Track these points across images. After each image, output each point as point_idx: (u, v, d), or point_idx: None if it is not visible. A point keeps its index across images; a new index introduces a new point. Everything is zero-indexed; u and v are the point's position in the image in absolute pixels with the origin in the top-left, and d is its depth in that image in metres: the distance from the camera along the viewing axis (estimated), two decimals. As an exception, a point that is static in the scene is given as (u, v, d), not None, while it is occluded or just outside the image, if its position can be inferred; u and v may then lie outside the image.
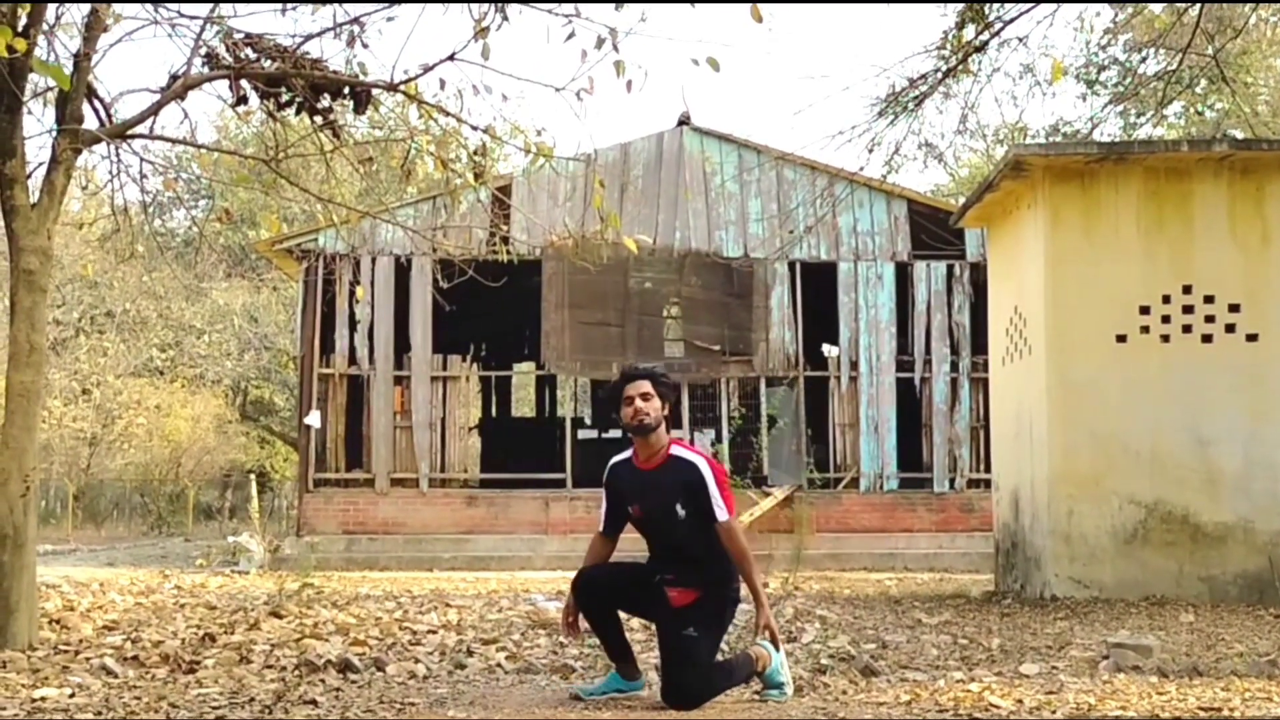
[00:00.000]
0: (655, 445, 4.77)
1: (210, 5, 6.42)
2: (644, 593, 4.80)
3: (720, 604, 4.78)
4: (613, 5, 5.71)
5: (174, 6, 6.47)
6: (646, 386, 4.75)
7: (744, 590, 4.83)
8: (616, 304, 16.81)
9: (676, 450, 4.79)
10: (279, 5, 6.49)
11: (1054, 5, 9.49)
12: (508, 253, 7.60)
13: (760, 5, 5.78)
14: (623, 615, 4.97)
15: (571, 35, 5.87)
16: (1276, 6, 14.17)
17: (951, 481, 17.07)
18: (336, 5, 6.45)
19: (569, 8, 5.87)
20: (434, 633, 6.79)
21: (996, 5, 9.64)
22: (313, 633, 6.58)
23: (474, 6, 6.08)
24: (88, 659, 5.60)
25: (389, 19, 6.42)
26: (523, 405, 32.61)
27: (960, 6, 9.88)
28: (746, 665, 4.79)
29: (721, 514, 4.66)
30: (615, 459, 4.95)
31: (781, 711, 4.63)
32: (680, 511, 4.69)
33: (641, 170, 17.40)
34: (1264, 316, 8.88)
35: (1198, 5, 10.76)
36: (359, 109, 6.60)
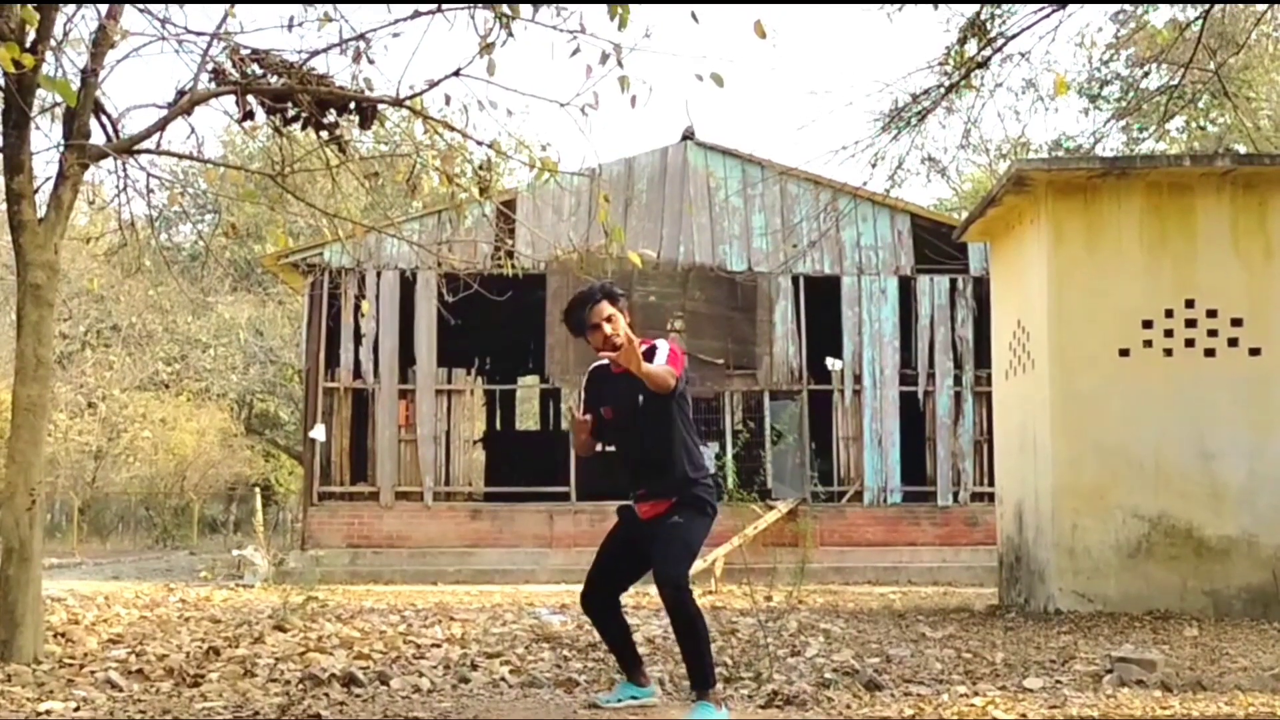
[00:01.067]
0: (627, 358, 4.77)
1: (217, 21, 6.47)
2: (631, 554, 4.89)
3: (693, 506, 4.80)
4: (615, 21, 5.73)
5: (181, 23, 6.52)
6: (608, 309, 4.79)
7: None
8: (621, 318, 16.80)
9: (644, 348, 4.80)
10: (286, 22, 6.53)
11: (1056, 21, 9.53)
12: (512, 267, 7.63)
13: (763, 22, 5.81)
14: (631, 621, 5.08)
15: (576, 51, 5.90)
16: (1279, 21, 14.21)
17: (955, 495, 17.05)
18: (342, 21, 6.49)
19: (574, 24, 5.92)
20: (438, 646, 6.79)
21: (998, 21, 9.68)
22: (317, 646, 6.58)
23: (479, 23, 6.12)
24: (92, 672, 5.61)
25: (395, 35, 6.45)
26: (527, 419, 32.61)
27: (963, 23, 9.93)
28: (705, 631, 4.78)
29: (664, 364, 4.71)
30: (595, 363, 5.06)
31: (785, 725, 4.63)
32: (640, 399, 4.75)
33: (646, 185, 17.45)
34: (1267, 331, 8.89)
35: (1199, 21, 10.80)
36: (365, 124, 6.64)
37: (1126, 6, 14.60)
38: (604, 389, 4.95)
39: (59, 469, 24.55)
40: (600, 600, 4.98)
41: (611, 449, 5.02)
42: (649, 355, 4.74)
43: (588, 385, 5.06)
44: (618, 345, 4.69)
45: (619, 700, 4.92)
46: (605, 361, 4.94)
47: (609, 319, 4.78)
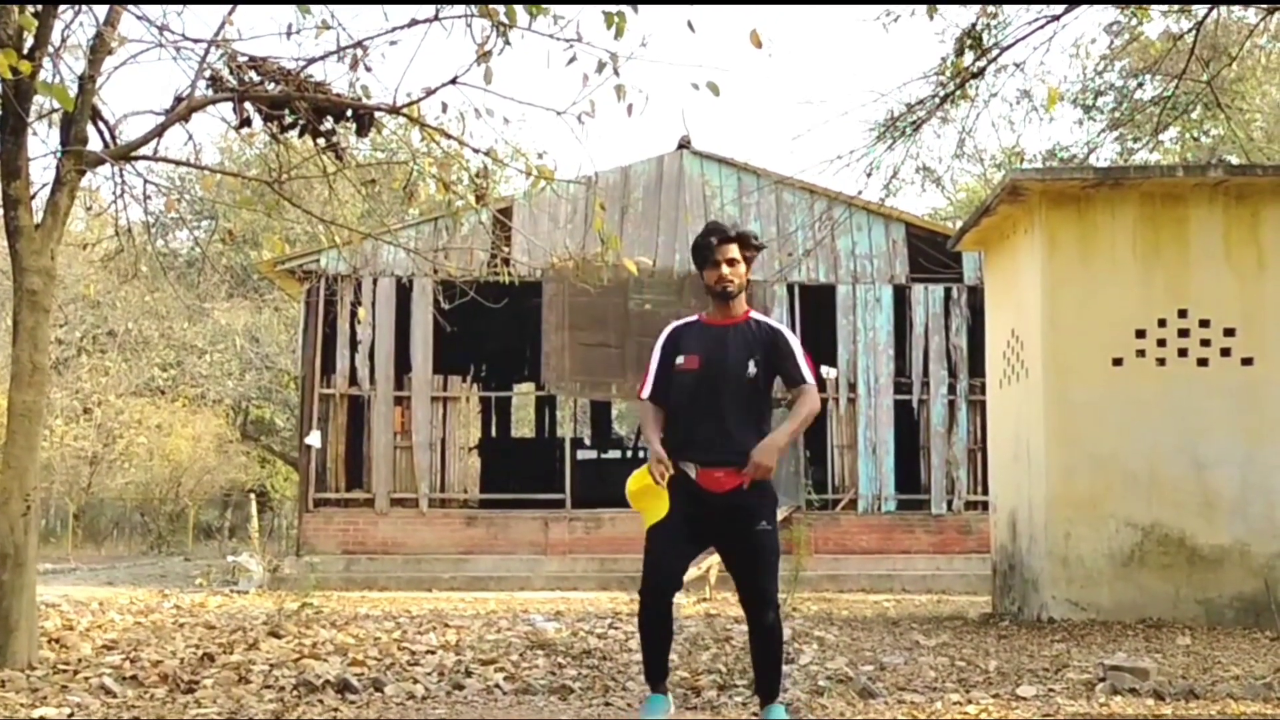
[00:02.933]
0: (734, 310, 4.56)
1: (215, 28, 6.49)
2: (693, 535, 4.47)
3: (773, 499, 4.53)
4: (612, 30, 5.76)
5: (179, 30, 6.54)
6: (735, 251, 4.51)
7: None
8: (616, 325, 16.85)
9: (756, 315, 4.60)
10: (283, 29, 6.55)
11: (1051, 32, 9.58)
12: (508, 274, 7.67)
13: (759, 32, 5.85)
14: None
15: (573, 60, 5.93)
16: (1272, 32, 14.28)
17: (949, 503, 17.07)
18: (340, 29, 6.52)
19: (571, 32, 5.95)
20: (432, 653, 6.79)
21: (993, 32, 9.73)
22: (311, 653, 6.59)
23: (476, 31, 6.15)
24: (87, 678, 5.61)
25: (392, 43, 6.48)
26: (522, 426, 32.62)
27: (958, 33, 9.97)
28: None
29: (807, 377, 4.46)
30: (678, 321, 4.73)
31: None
32: (751, 368, 4.43)
33: (642, 193, 17.49)
34: (1259, 341, 8.93)
35: (1193, 32, 10.86)
36: (362, 131, 6.66)
37: (1120, 18, 14.68)
38: (692, 340, 4.54)
39: (54, 474, 24.50)
40: (667, 595, 4.45)
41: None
42: (775, 341, 4.49)
43: (667, 340, 4.62)
44: (729, 291, 4.48)
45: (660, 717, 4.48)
46: (692, 319, 4.65)
47: (731, 261, 4.49)
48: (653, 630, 4.47)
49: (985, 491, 14.08)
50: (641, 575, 4.47)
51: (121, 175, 6.74)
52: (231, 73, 6.44)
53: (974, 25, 9.76)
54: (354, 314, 16.11)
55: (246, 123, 6.55)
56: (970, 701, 5.27)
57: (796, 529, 15.93)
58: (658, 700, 4.53)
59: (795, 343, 4.55)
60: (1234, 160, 16.78)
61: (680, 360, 4.50)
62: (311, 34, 6.52)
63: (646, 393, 4.60)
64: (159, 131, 6.38)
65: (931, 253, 16.66)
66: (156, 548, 25.44)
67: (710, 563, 13.60)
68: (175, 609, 10.04)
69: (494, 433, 24.77)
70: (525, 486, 17.20)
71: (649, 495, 4.45)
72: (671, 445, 4.45)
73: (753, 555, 4.43)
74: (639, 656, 6.65)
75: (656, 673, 4.57)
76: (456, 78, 6.22)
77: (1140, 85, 17.00)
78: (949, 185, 29.06)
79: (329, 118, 6.57)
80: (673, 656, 6.61)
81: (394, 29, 6.39)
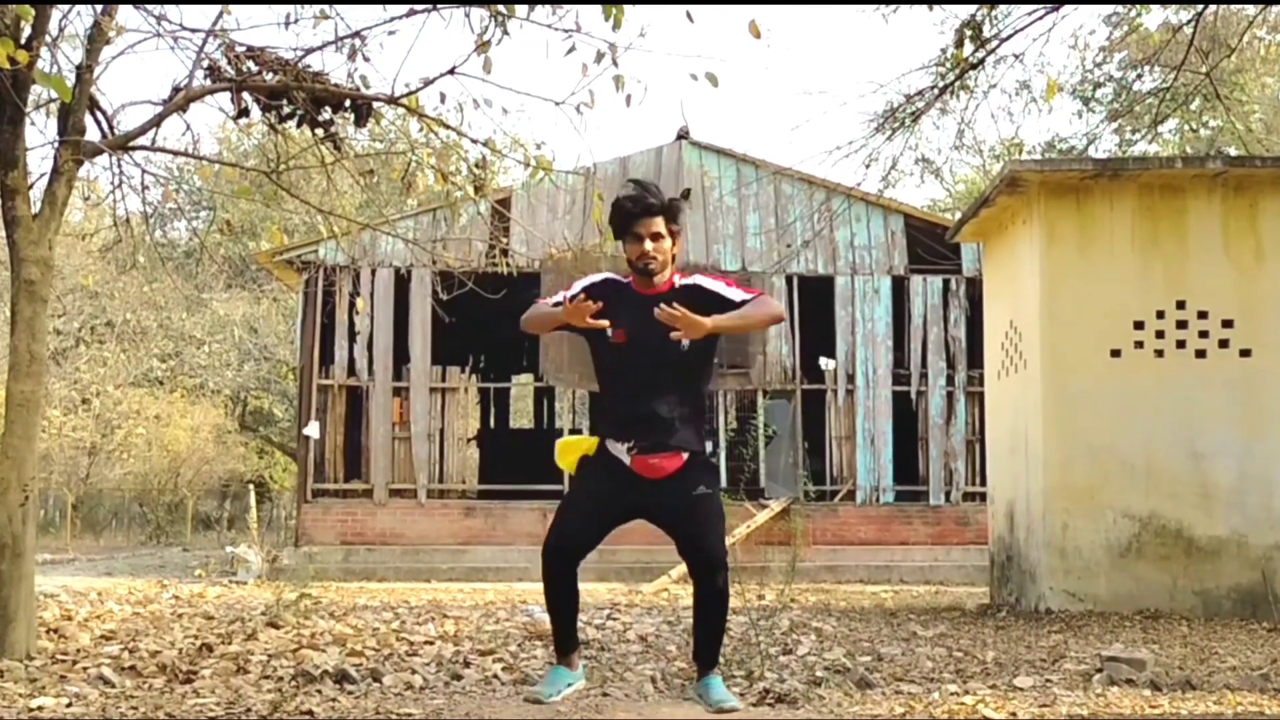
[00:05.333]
0: (657, 283, 4.18)
1: (213, 18, 6.48)
2: (615, 512, 4.22)
3: (714, 472, 4.31)
4: (610, 21, 5.75)
5: (176, 20, 6.52)
6: (660, 225, 4.11)
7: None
8: (615, 316, 16.82)
9: (679, 280, 4.22)
10: (281, 19, 6.54)
11: (1050, 23, 9.57)
12: (507, 265, 7.65)
13: (758, 22, 5.84)
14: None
15: (571, 50, 5.92)
16: (1271, 24, 14.26)
17: (947, 495, 17.10)
18: (338, 19, 6.50)
19: (569, 23, 5.94)
20: (431, 644, 6.80)
21: (993, 23, 9.71)
22: (310, 643, 6.59)
23: (475, 21, 6.14)
24: (85, 669, 5.62)
25: (390, 33, 6.47)
26: (521, 417, 32.62)
27: (958, 24, 9.95)
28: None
29: (739, 295, 4.11)
30: (605, 274, 4.28)
31: (775, 723, 4.65)
32: (686, 341, 4.00)
33: (640, 183, 17.45)
34: (1257, 332, 8.94)
35: (1191, 24, 10.84)
36: (360, 122, 6.65)
37: (1119, 9, 14.66)
38: (623, 309, 4.11)
39: (53, 465, 24.51)
40: (572, 558, 4.16)
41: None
42: (696, 294, 4.11)
43: (593, 289, 4.16)
44: (651, 270, 4.11)
45: (559, 692, 4.26)
46: (620, 278, 4.25)
47: (655, 236, 4.10)
48: (556, 594, 4.19)
49: (983, 483, 14.10)
50: (546, 534, 4.17)
51: (119, 165, 6.73)
52: (229, 63, 6.43)
53: (973, 16, 9.74)
54: (352, 305, 16.12)
55: (244, 113, 6.54)
56: (967, 692, 5.28)
57: (795, 520, 15.95)
58: (560, 671, 4.27)
59: (717, 283, 4.18)
60: (1233, 152, 16.77)
61: (609, 333, 4.12)
62: (309, 24, 6.52)
63: (554, 300, 4.25)
64: (157, 122, 6.37)
65: (930, 244, 16.65)
66: (155, 538, 25.46)
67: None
68: (174, 600, 10.05)
69: (492, 424, 24.77)
70: (524, 478, 17.19)
71: (578, 450, 4.27)
72: (602, 425, 4.22)
73: (691, 516, 4.13)
74: (638, 648, 6.69)
75: (561, 640, 4.32)
76: (455, 68, 6.21)
77: (1139, 77, 16.97)
78: (948, 176, 29.07)
79: (327, 108, 6.56)
80: (670, 647, 6.64)
81: (392, 19, 6.39)
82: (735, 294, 4.13)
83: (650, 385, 4.12)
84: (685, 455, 4.13)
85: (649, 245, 4.10)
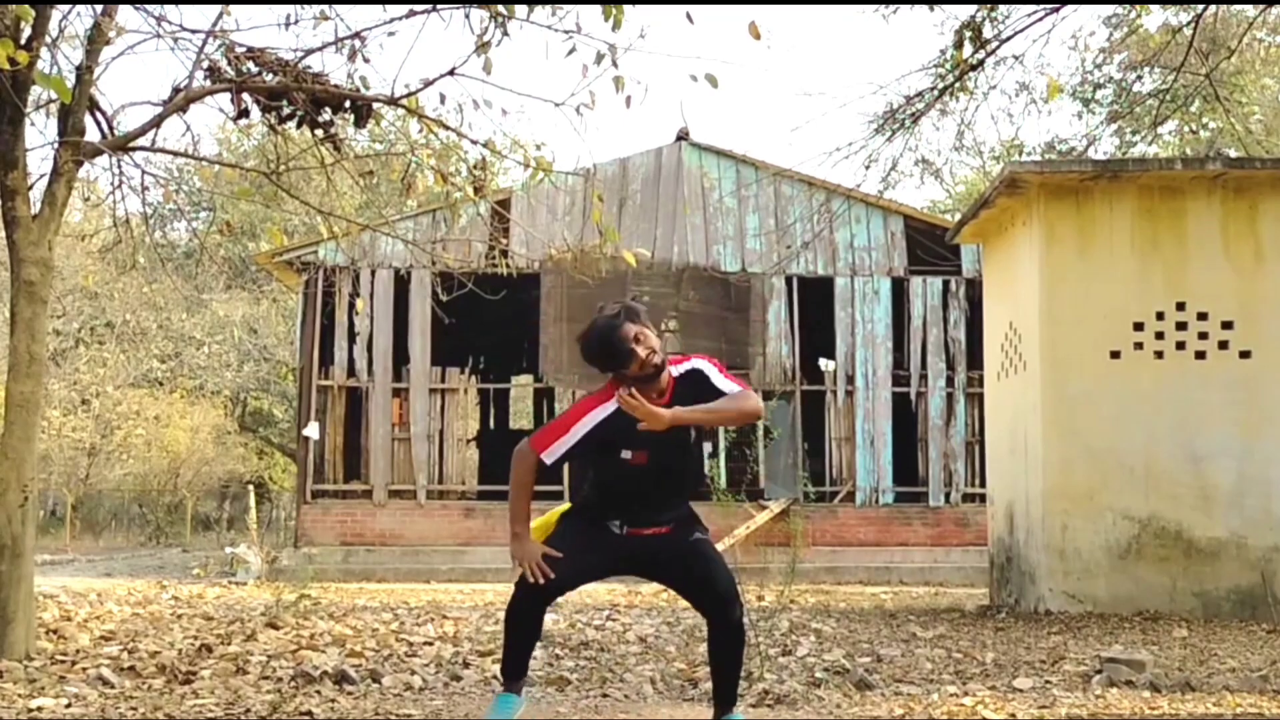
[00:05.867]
0: (663, 383, 4.06)
1: (213, 19, 6.48)
2: (597, 564, 4.18)
3: (696, 518, 4.26)
4: (610, 22, 5.76)
5: (176, 20, 6.52)
6: (633, 328, 4.02)
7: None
8: (615, 317, 16.82)
9: (674, 371, 4.10)
10: (281, 20, 6.54)
11: (1050, 25, 9.58)
12: (507, 266, 7.64)
13: (758, 24, 5.84)
14: None
15: (572, 51, 5.92)
16: (1270, 26, 14.27)
17: (947, 496, 17.10)
18: (338, 20, 6.51)
19: (569, 24, 5.94)
20: (430, 644, 6.80)
21: (993, 24, 9.72)
22: (309, 644, 6.60)
23: (475, 22, 6.14)
24: (84, 669, 5.62)
25: (390, 34, 6.47)
26: (520, 418, 32.60)
27: (958, 25, 9.96)
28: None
29: (731, 387, 4.04)
30: (600, 411, 4.08)
31: (775, 724, 4.65)
32: (692, 434, 4.08)
33: (640, 185, 17.48)
34: (1257, 334, 8.94)
35: (1191, 25, 10.85)
36: (360, 123, 6.65)
37: (1119, 10, 14.66)
38: (627, 435, 4.01)
39: (52, 465, 24.51)
40: (548, 600, 4.13)
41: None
42: (696, 380, 4.07)
43: (597, 429, 4.06)
44: (659, 364, 4.00)
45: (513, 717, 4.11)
46: (615, 406, 4.03)
47: (638, 338, 4.00)
48: (521, 625, 4.10)
49: (983, 484, 14.11)
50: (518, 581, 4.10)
51: (119, 166, 6.73)
52: (229, 64, 6.43)
53: (973, 18, 9.75)
54: (352, 305, 16.12)
55: (244, 114, 6.54)
56: (967, 693, 5.28)
57: (794, 521, 15.96)
58: (508, 699, 4.11)
59: (710, 369, 4.11)
60: (1232, 153, 16.78)
61: (627, 455, 4.03)
62: (309, 25, 6.52)
63: (550, 459, 4.11)
64: (157, 122, 6.37)
65: (930, 245, 16.66)
66: (154, 539, 25.45)
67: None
68: (173, 600, 10.05)
69: (492, 425, 24.77)
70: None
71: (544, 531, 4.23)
72: (593, 505, 4.18)
73: (695, 558, 4.11)
74: (637, 648, 6.69)
75: (514, 668, 4.17)
76: (455, 69, 6.21)
77: (1139, 78, 16.99)
78: (948, 178, 29.07)
79: (327, 109, 6.56)
80: (670, 648, 6.64)
81: (392, 20, 6.38)
82: (724, 384, 4.06)
83: (659, 488, 4.11)
84: (670, 526, 4.14)
85: (640, 350, 3.98)
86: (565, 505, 4.29)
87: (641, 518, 4.13)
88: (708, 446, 16.95)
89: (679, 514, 4.18)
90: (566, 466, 4.32)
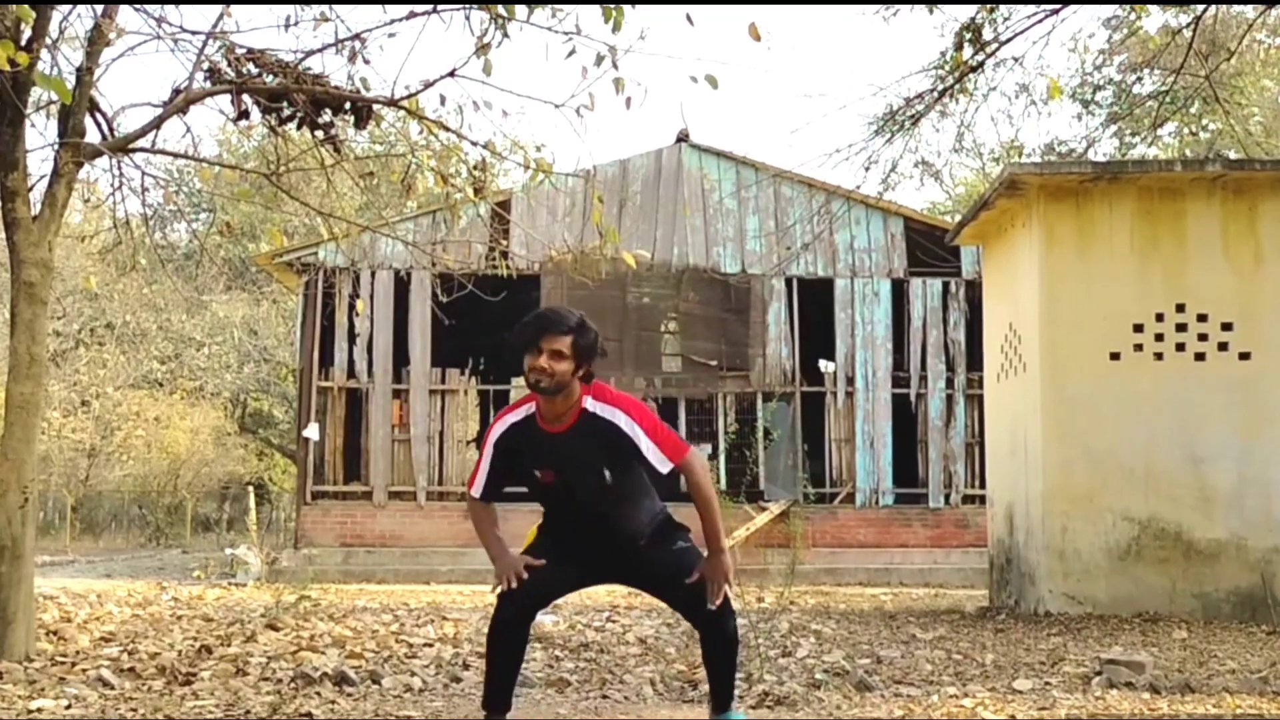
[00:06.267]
0: (562, 407, 3.90)
1: (213, 20, 6.48)
2: (572, 576, 4.12)
3: (675, 523, 4.16)
4: (610, 24, 5.76)
5: (177, 22, 6.53)
6: (563, 344, 3.81)
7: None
8: (615, 319, 16.86)
9: (590, 405, 3.91)
10: (281, 21, 6.54)
11: (1050, 26, 9.58)
12: (507, 267, 7.64)
13: (758, 25, 5.85)
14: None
15: (572, 53, 5.93)
16: (1270, 27, 14.28)
17: (947, 497, 17.10)
18: (338, 21, 6.51)
19: (569, 25, 5.94)
20: (430, 646, 6.80)
21: (993, 26, 9.73)
22: (309, 645, 6.59)
23: (475, 23, 6.15)
24: (84, 670, 5.61)
25: (390, 35, 6.48)
26: (520, 419, 32.58)
27: (957, 27, 9.97)
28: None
29: (666, 465, 3.86)
30: (510, 417, 4.00)
31: (775, 725, 4.65)
32: (607, 476, 3.90)
33: (640, 186, 17.48)
34: (1256, 335, 8.94)
35: (1191, 27, 10.86)
36: (360, 124, 6.66)
37: (1119, 12, 14.67)
38: (535, 450, 3.94)
39: (52, 467, 24.52)
40: (534, 610, 4.07)
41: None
42: (611, 434, 3.88)
43: (501, 441, 3.98)
44: (542, 386, 3.83)
45: None
46: (528, 413, 3.95)
47: (557, 354, 3.81)
48: (503, 646, 3.97)
49: (983, 485, 14.11)
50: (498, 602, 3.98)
51: (119, 168, 6.73)
52: (230, 65, 6.43)
53: (973, 19, 9.76)
54: (352, 307, 16.13)
55: (245, 115, 6.54)
56: (966, 695, 5.28)
57: (794, 522, 15.96)
58: None
59: (637, 432, 3.87)
60: (1232, 155, 16.79)
61: (537, 474, 3.98)
62: (310, 26, 6.53)
63: (477, 491, 4.09)
64: (157, 124, 6.37)
65: (930, 247, 16.67)
66: (154, 540, 25.46)
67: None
68: (173, 601, 10.04)
69: (492, 426, 24.78)
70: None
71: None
72: (561, 537, 4.08)
73: (677, 576, 3.98)
74: (637, 650, 6.69)
75: (498, 697, 4.02)
76: (455, 70, 6.21)
77: (1139, 80, 17.01)
78: (947, 179, 29.09)
79: (327, 110, 6.57)
80: (670, 649, 6.64)
81: (392, 21, 6.39)
82: (654, 454, 3.86)
83: (594, 513, 3.99)
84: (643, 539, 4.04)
85: (545, 360, 3.80)
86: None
87: (599, 543, 4.02)
88: (706, 448, 16.96)
89: (639, 532, 4.04)
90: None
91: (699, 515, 3.95)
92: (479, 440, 22.47)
